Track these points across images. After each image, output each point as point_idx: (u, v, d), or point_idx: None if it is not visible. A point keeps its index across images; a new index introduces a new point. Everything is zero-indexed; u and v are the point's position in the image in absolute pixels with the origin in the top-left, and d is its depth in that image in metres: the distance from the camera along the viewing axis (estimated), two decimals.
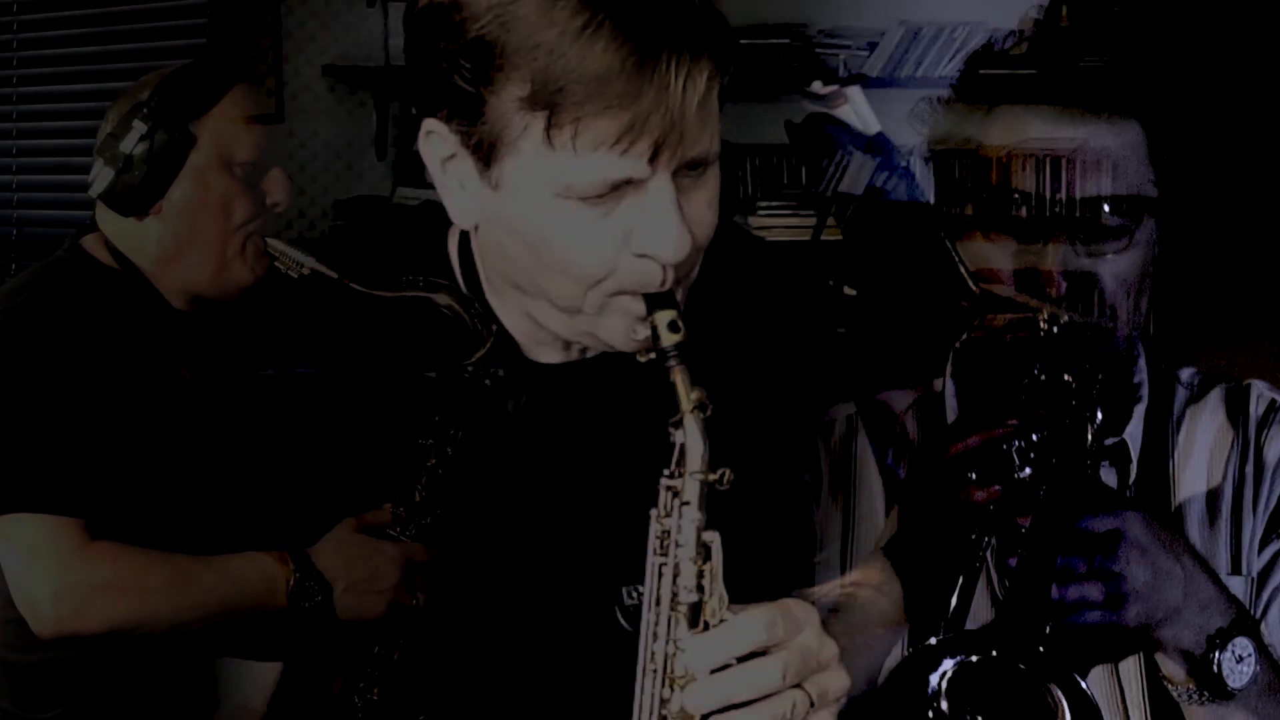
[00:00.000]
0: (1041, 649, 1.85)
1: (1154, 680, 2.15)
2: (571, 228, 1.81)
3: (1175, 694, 2.06)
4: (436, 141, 1.87)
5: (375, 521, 2.31)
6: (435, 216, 2.05)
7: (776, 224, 5.05)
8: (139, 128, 2.97)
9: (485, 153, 1.82)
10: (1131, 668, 2.18)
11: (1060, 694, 1.83)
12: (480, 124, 1.81)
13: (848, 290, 2.65)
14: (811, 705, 1.73)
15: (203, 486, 2.79)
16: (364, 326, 2.15)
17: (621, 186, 1.79)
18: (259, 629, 2.44)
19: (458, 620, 2.13)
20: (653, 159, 1.77)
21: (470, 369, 2.16)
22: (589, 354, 2.03)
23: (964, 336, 2.36)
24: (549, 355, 2.06)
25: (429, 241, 2.10)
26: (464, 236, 2.07)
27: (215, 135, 3.04)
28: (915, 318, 2.29)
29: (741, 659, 1.73)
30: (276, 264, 2.49)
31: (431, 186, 1.96)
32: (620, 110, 1.73)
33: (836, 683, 1.75)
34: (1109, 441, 2.24)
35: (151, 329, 3.03)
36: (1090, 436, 2.10)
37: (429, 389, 2.15)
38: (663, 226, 1.80)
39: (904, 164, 3.97)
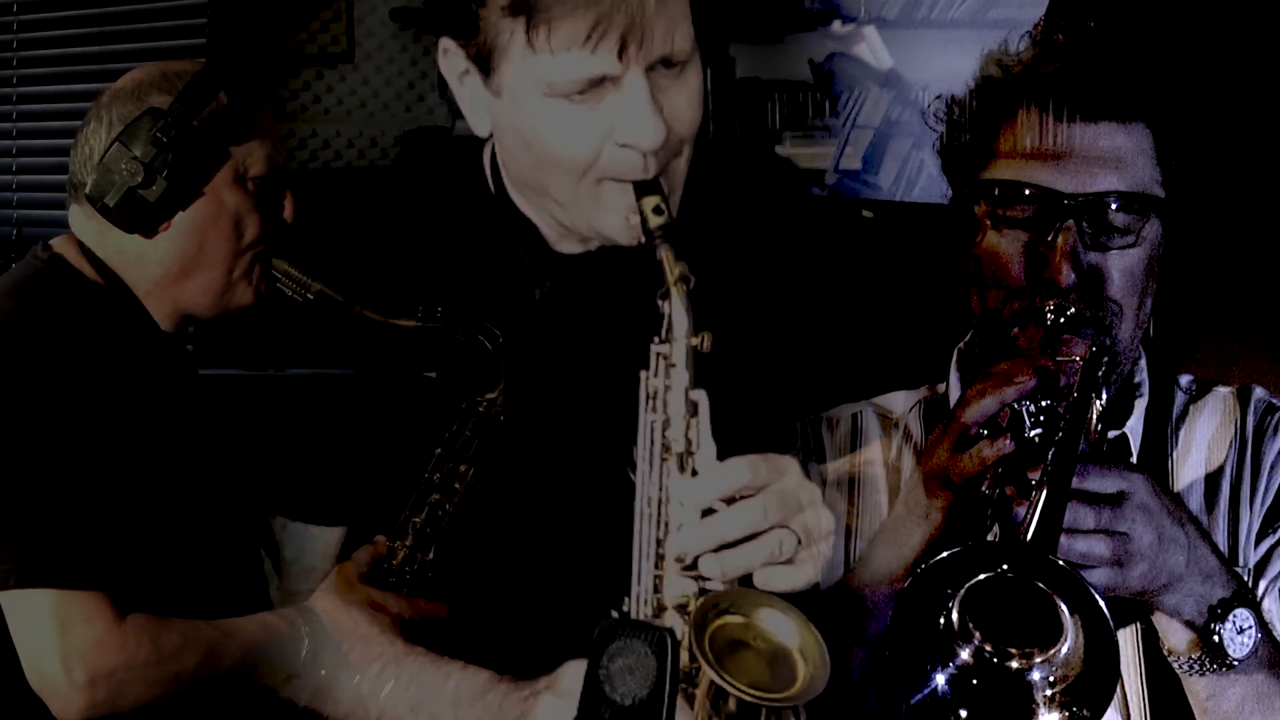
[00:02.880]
0: (1058, 562, 1.71)
1: (1150, 659, 2.05)
2: (560, 122, 1.92)
3: (1176, 665, 1.95)
4: (452, 59, 1.99)
5: (368, 561, 2.20)
6: (473, 142, 2.17)
7: (801, 153, 5.02)
8: (160, 139, 2.46)
9: (485, 62, 1.94)
10: (1129, 648, 2.08)
11: (1071, 615, 1.72)
12: (477, 36, 1.92)
13: (865, 213, 2.56)
14: (799, 543, 1.78)
15: (202, 517, 2.54)
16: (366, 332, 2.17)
17: (601, 84, 1.89)
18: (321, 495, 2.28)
19: (487, 482, 2.16)
20: (621, 54, 1.87)
21: (484, 404, 2.15)
22: (605, 247, 2.09)
23: (967, 337, 2.26)
24: (569, 247, 2.13)
25: (467, 158, 2.18)
26: (494, 151, 2.16)
27: (233, 149, 2.55)
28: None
29: (730, 503, 1.78)
30: (279, 286, 2.38)
31: None
32: (585, 10, 1.84)
33: (821, 521, 1.81)
34: (1111, 434, 2.14)
35: (142, 356, 2.54)
36: (1095, 415, 1.98)
37: (429, 417, 2.14)
38: (639, 117, 1.89)
39: (915, 98, 3.86)
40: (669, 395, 1.83)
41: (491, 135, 2.10)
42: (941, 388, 2.28)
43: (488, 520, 2.17)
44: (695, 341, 1.82)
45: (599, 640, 1.71)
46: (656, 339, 1.85)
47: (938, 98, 2.17)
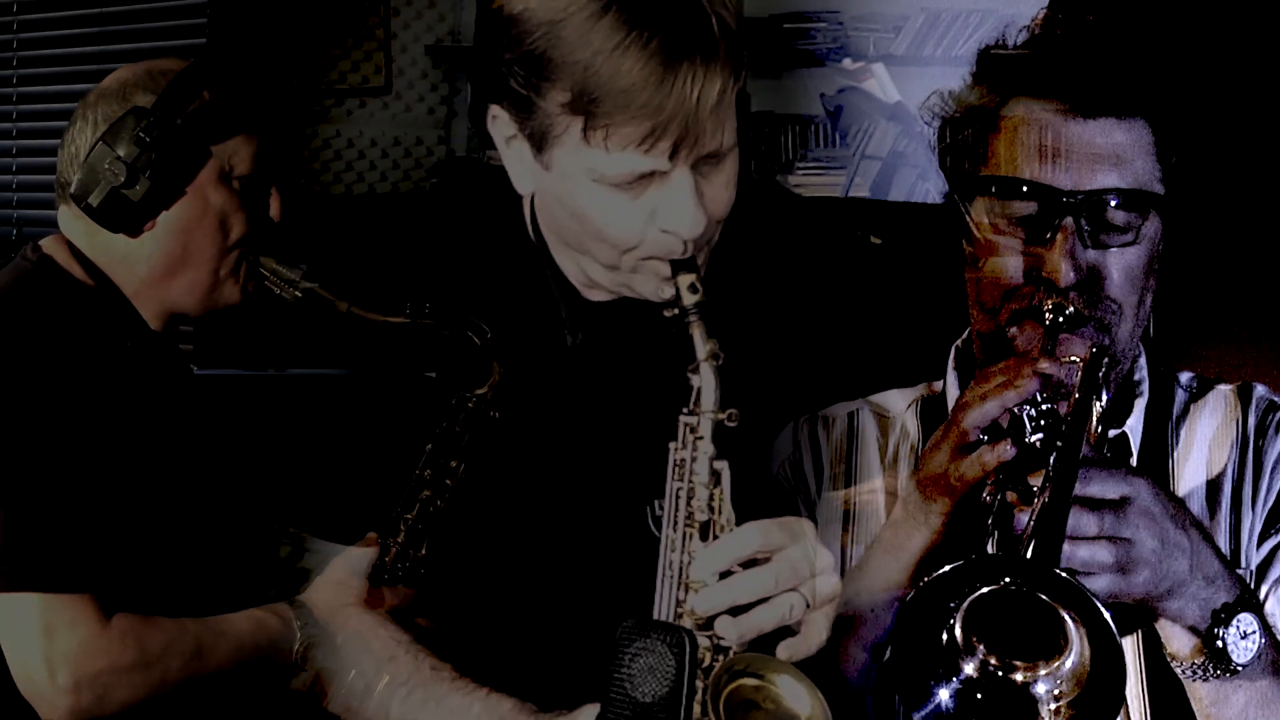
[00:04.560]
0: (1062, 574, 1.61)
1: (1151, 664, 1.94)
2: (607, 206, 1.94)
3: (1179, 671, 1.84)
4: (500, 124, 2.00)
5: (364, 553, 2.16)
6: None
7: (811, 182, 5.09)
8: (143, 139, 2.37)
9: (537, 140, 1.95)
10: (1130, 653, 1.97)
11: (1076, 627, 1.62)
12: (531, 118, 1.93)
13: (874, 239, 2.57)
14: (808, 606, 1.81)
15: (192, 518, 2.45)
16: (361, 333, 2.19)
17: (649, 176, 1.91)
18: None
19: (506, 521, 2.18)
20: (672, 155, 1.88)
21: (473, 400, 2.13)
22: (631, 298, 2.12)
23: (964, 335, 2.18)
24: (598, 296, 2.15)
25: (509, 199, 2.18)
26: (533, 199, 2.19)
27: (217, 148, 2.46)
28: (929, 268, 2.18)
29: (745, 567, 1.82)
30: (267, 284, 2.35)
31: None
32: (643, 119, 1.85)
33: (829, 587, 1.83)
34: (1111, 433, 2.04)
35: (131, 357, 2.45)
36: (1095, 416, 1.89)
37: (428, 416, 2.14)
38: (682, 209, 1.91)
39: (920, 130, 3.82)
40: (694, 465, 1.87)
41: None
42: (938, 386, 2.18)
43: (482, 517, 2.17)
44: (722, 416, 1.86)
45: (621, 641, 1.74)
46: (685, 410, 1.90)
47: (934, 93, 2.07)
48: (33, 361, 2.31)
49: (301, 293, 2.30)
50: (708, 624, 1.82)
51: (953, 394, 2.12)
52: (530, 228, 2.17)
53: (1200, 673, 1.79)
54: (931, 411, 2.15)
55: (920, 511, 1.90)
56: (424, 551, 2.15)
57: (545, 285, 2.16)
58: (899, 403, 2.20)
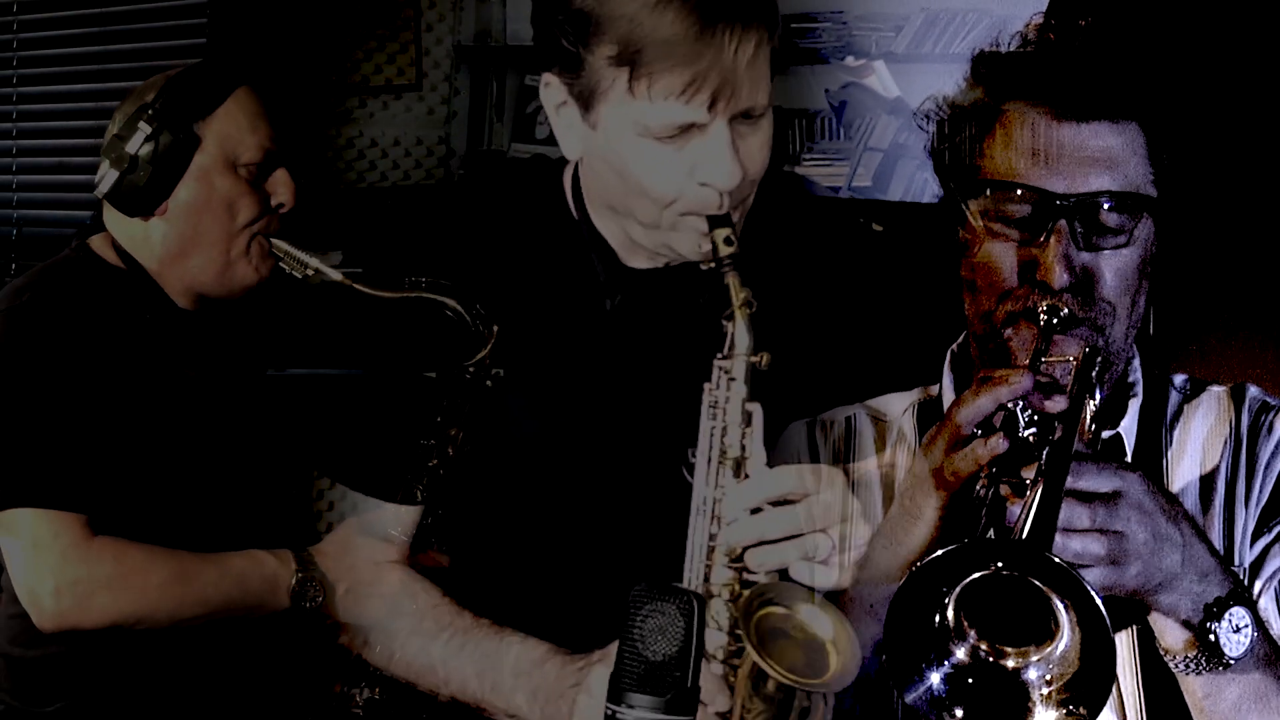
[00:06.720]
0: (1054, 559, 1.56)
1: (1146, 658, 1.90)
2: (650, 160, 1.98)
3: (1172, 664, 1.79)
4: (552, 91, 2.06)
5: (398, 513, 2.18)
6: (547, 164, 2.27)
7: (817, 173, 5.13)
8: (144, 129, 2.52)
9: (585, 100, 2.01)
10: (1124, 647, 1.92)
11: (1067, 612, 1.57)
12: (580, 76, 1.99)
13: (875, 226, 2.61)
14: (834, 548, 1.85)
15: (204, 482, 2.55)
16: (368, 326, 2.22)
17: (688, 129, 1.95)
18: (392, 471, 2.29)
19: (548, 473, 2.22)
20: (711, 107, 1.94)
21: (471, 370, 2.16)
22: (671, 264, 2.15)
23: (960, 338, 2.13)
24: (639, 263, 2.19)
25: (548, 180, 2.24)
26: (575, 174, 2.22)
27: (220, 136, 2.57)
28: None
29: (776, 506, 1.86)
30: (281, 265, 2.44)
31: (537, 142, 2.34)
32: (684, 68, 1.91)
33: (858, 531, 1.86)
34: (1105, 435, 1.98)
35: (155, 327, 2.60)
36: (1089, 415, 1.82)
37: (430, 389, 2.18)
38: (719, 161, 1.96)
39: (919, 124, 3.84)
40: (728, 406, 1.90)
41: (578, 160, 2.18)
42: (935, 390, 2.13)
43: (520, 477, 2.21)
44: (755, 359, 1.90)
45: (633, 603, 1.74)
46: (719, 354, 1.93)
47: (929, 98, 2.02)
48: (41, 318, 2.46)
49: (311, 271, 2.38)
50: (737, 558, 1.87)
51: (949, 397, 2.07)
52: (571, 202, 2.21)
53: (1193, 666, 1.74)
54: (928, 414, 2.10)
55: (917, 507, 1.84)
56: (430, 520, 2.19)
57: (585, 254, 2.19)
58: (896, 406, 2.15)
